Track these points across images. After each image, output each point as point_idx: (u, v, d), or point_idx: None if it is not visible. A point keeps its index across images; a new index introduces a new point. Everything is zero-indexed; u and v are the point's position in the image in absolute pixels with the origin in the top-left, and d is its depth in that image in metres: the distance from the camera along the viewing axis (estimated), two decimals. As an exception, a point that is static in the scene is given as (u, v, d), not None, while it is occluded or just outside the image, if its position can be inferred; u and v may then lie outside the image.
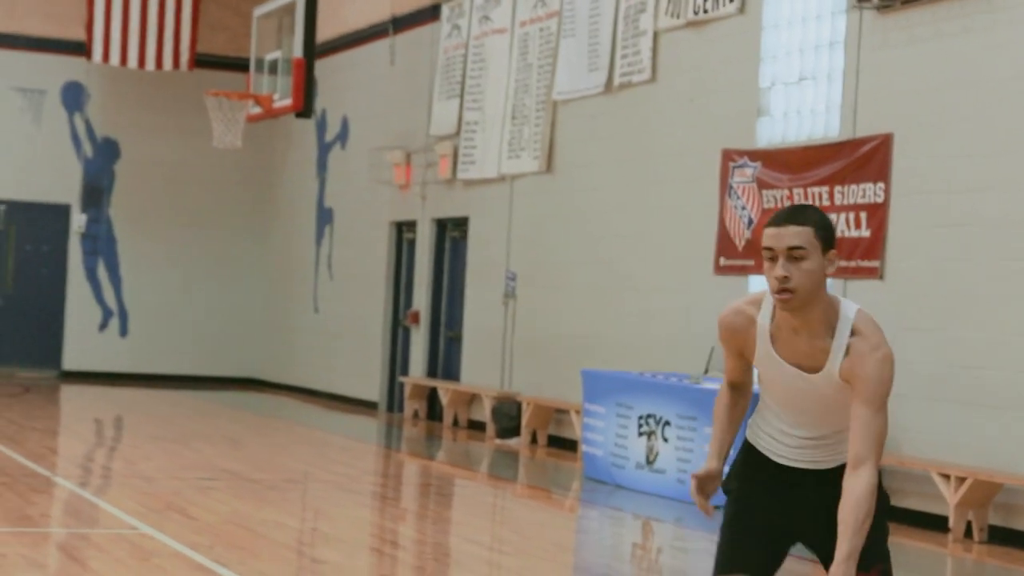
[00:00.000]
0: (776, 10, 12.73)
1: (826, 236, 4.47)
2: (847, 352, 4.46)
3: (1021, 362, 10.15)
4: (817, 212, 4.52)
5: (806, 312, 4.48)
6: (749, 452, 4.78)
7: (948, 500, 10.32)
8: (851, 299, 11.30)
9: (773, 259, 4.45)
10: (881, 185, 11.45)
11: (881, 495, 4.54)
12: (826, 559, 4.60)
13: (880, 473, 4.48)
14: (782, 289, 4.43)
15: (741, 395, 4.81)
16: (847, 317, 4.50)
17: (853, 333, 4.49)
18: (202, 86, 21.04)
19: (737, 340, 4.65)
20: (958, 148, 10.75)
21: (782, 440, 4.69)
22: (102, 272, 23.40)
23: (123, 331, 23.51)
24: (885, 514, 4.59)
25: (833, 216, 11.87)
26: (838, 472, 4.56)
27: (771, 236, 4.45)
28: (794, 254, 4.42)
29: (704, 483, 4.72)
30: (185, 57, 22.13)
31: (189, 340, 23.75)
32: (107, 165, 23.39)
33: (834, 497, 4.50)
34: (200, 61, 22.46)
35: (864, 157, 11.60)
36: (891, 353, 4.48)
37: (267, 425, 17.90)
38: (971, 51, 10.65)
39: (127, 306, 23.52)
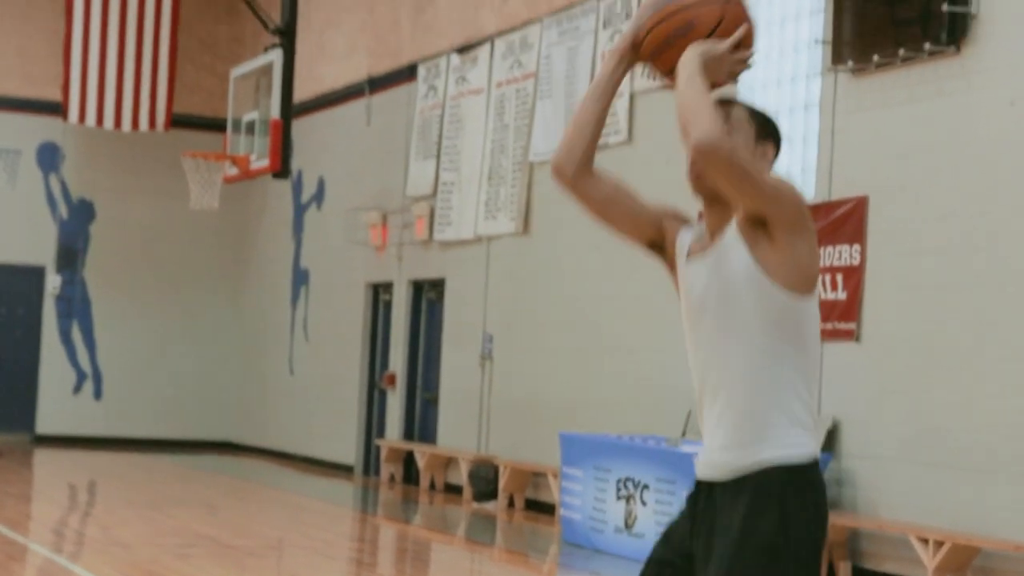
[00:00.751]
0: (751, 72, 12.71)
1: (761, 125, 3.91)
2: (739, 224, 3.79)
3: (998, 425, 10.11)
4: (755, 107, 3.95)
5: (724, 206, 3.86)
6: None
7: (927, 564, 10.25)
8: (829, 361, 11.29)
9: None
10: (857, 247, 11.44)
11: (816, 499, 3.72)
12: None
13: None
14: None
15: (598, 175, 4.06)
16: None
17: None
18: (179, 147, 21.00)
19: (669, 226, 4.05)
20: (933, 210, 10.75)
21: (703, 433, 3.91)
22: (76, 334, 23.27)
23: (97, 394, 23.36)
24: (813, 524, 3.72)
25: (810, 278, 11.85)
26: (736, 488, 3.73)
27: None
28: None
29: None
30: (161, 118, 22.10)
31: (164, 403, 23.61)
32: (82, 226, 23.31)
33: (723, 524, 3.75)
34: (177, 121, 22.43)
35: (840, 219, 11.60)
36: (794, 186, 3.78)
37: (243, 489, 17.77)
38: (945, 114, 10.67)
39: (101, 368, 23.38)
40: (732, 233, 3.82)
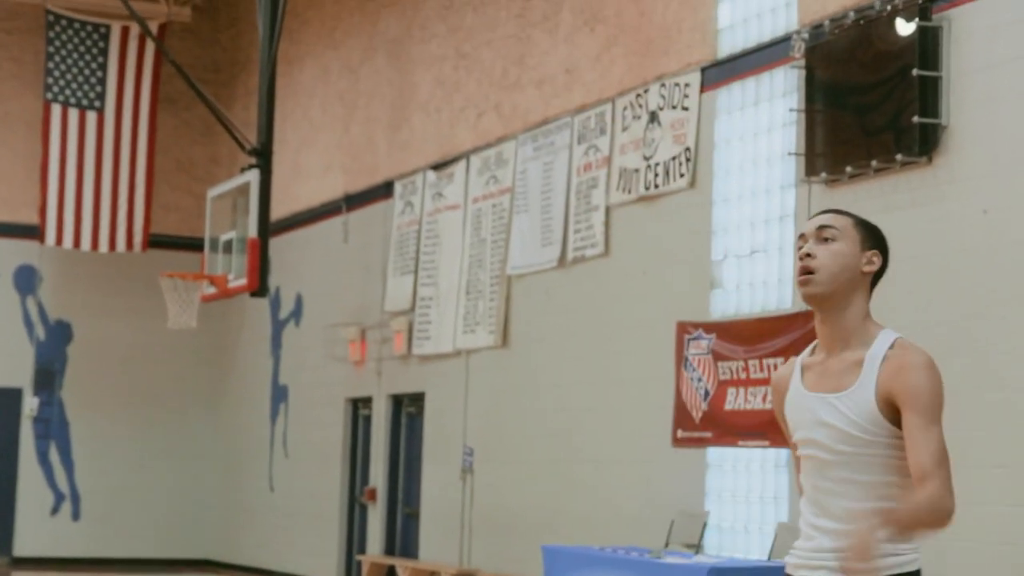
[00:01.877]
0: (726, 185, 12.92)
1: (868, 234, 4.08)
2: (884, 361, 3.93)
3: (983, 531, 10.14)
4: (863, 218, 4.17)
5: (835, 315, 4.02)
6: None
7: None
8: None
9: (803, 244, 4.07)
10: (835, 356, 11.52)
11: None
12: None
13: (951, 510, 3.86)
14: (803, 269, 4.01)
15: None
16: (891, 333, 4.04)
17: (893, 347, 3.97)
18: (156, 267, 21.09)
19: (779, 395, 4.20)
20: (909, 318, 10.86)
21: (805, 533, 4.08)
22: (54, 455, 23.19)
23: (75, 515, 23.23)
24: None
25: (789, 387, 11.93)
26: None
27: (806, 224, 4.13)
28: (824, 234, 4.03)
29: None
30: (138, 239, 22.20)
31: (143, 522, 23.48)
32: (59, 347, 23.30)
33: None
34: (154, 242, 22.54)
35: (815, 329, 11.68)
36: (934, 361, 3.96)
37: (224, 608, 17.65)
38: (918, 223, 10.82)
39: (79, 489, 23.27)
40: (868, 390, 4.00)
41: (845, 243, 4.02)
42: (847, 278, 4.00)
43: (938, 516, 3.84)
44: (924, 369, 3.92)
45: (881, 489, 3.97)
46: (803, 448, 4.06)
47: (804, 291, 4.06)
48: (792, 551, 4.15)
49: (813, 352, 4.15)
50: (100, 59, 22.06)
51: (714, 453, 12.83)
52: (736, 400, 12.53)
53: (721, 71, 13.07)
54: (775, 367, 12.08)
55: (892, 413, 3.95)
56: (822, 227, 4.03)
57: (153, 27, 21.71)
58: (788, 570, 4.12)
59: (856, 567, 3.72)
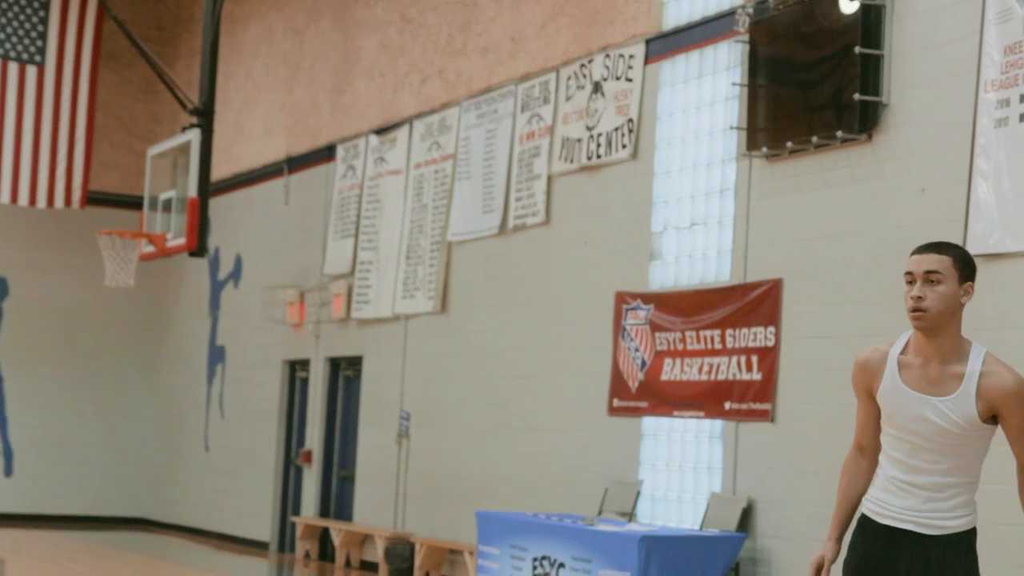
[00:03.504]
0: (668, 157, 12.99)
1: (964, 268, 4.95)
2: (980, 378, 4.89)
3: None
4: (959, 248, 5.02)
5: (938, 337, 4.93)
6: (861, 524, 5.17)
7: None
8: (744, 442, 11.47)
9: (911, 282, 4.96)
10: (772, 329, 11.65)
11: (975, 563, 5.03)
12: None
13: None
14: (915, 308, 4.91)
15: (867, 460, 5.17)
16: (980, 349, 4.94)
17: (984, 362, 4.93)
18: (94, 224, 20.97)
19: (867, 376, 5.06)
20: (846, 294, 10.99)
21: (895, 492, 5.05)
22: (-12, 410, 23.06)
23: (8, 471, 23.12)
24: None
25: (724, 359, 12.05)
26: (943, 543, 4.96)
27: (913, 262, 4.97)
28: (930, 277, 4.91)
29: (819, 570, 5.17)
30: (77, 195, 22.05)
31: (77, 480, 23.40)
32: (-5, 302, 23.16)
33: (936, 568, 4.95)
34: (92, 199, 22.39)
35: (754, 301, 11.81)
36: (1021, 378, 4.90)
37: (155, 567, 17.63)
38: (857, 199, 10.93)
39: (12, 445, 23.15)
40: (969, 398, 4.95)
41: (948, 284, 4.92)
42: (949, 312, 4.93)
43: None
44: (1017, 389, 4.89)
45: (962, 468, 4.99)
46: (899, 432, 5.00)
47: (916, 325, 4.96)
48: (877, 502, 5.11)
49: (905, 351, 5.04)
50: (41, 13, 21.86)
51: (649, 423, 12.93)
52: (672, 371, 12.63)
53: (665, 43, 13.13)
54: (712, 339, 12.19)
55: (987, 416, 4.95)
56: (928, 272, 4.92)
57: (96, -18, 21.55)
58: (872, 517, 5.10)
59: None
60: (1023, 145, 9.54)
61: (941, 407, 4.90)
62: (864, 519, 5.18)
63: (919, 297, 4.91)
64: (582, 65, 14.16)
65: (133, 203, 21.70)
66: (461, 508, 15.10)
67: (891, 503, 5.07)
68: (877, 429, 5.12)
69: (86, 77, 21.98)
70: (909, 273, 4.98)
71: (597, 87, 13.90)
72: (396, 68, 17.71)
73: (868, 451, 5.20)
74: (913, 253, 5.01)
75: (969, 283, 4.98)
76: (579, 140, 14.07)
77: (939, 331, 4.93)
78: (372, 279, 17.59)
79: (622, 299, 13.30)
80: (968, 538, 5.05)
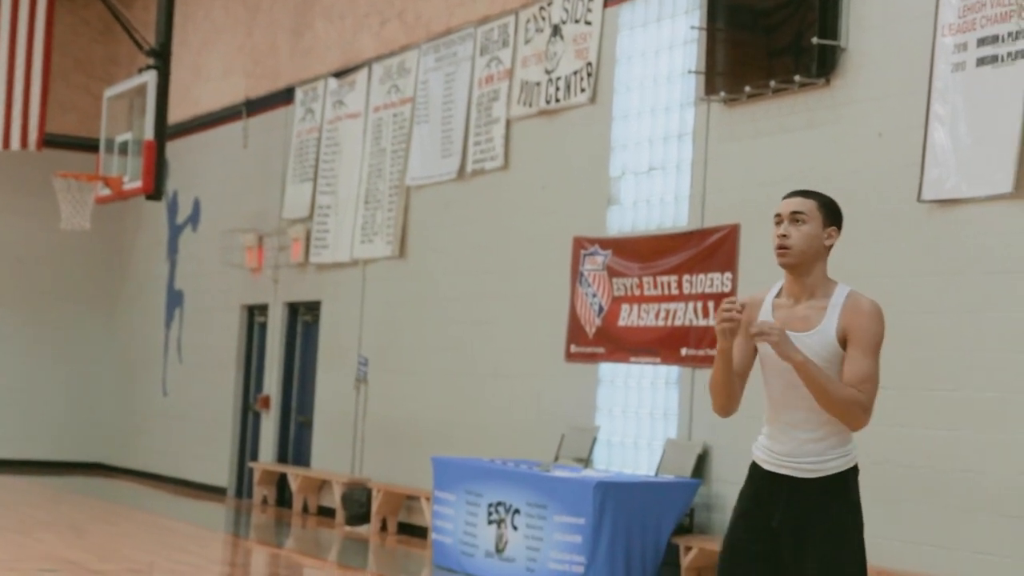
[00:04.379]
0: (626, 101, 12.89)
1: (829, 213, 5.24)
2: (843, 305, 5.14)
3: (863, 451, 10.26)
4: (826, 195, 5.29)
5: (803, 275, 5.22)
6: (750, 471, 5.35)
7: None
8: (700, 388, 11.41)
9: (779, 223, 5.22)
10: (729, 275, 11.59)
11: (855, 503, 5.19)
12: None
13: (866, 416, 5.08)
14: (780, 245, 5.18)
15: (738, 377, 5.32)
16: (846, 287, 5.20)
17: (848, 296, 5.18)
18: (50, 167, 20.76)
19: (747, 316, 5.22)
20: (803, 239, 10.92)
21: (775, 436, 5.25)
22: (-56, 354, 22.88)
23: (-35, 415, 22.98)
24: (860, 530, 5.21)
25: (681, 305, 11.99)
26: (820, 485, 5.14)
27: (782, 205, 5.21)
28: (796, 217, 5.19)
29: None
30: (33, 137, 21.78)
31: (34, 424, 23.27)
32: (-49, 245, 22.95)
33: (808, 513, 5.14)
34: (49, 141, 22.12)
35: (712, 247, 11.75)
36: (882, 310, 5.14)
37: (112, 512, 17.56)
38: (815, 144, 10.87)
39: (-31, 389, 23.00)
40: (830, 330, 5.16)
41: (812, 224, 5.20)
42: (813, 251, 5.20)
43: (844, 408, 5.06)
44: (875, 314, 5.14)
45: (827, 420, 5.16)
46: (771, 372, 5.25)
47: (781, 262, 5.20)
48: (761, 448, 5.31)
49: (779, 295, 5.28)
50: (-2, -48, 21.56)
51: (606, 369, 12.88)
52: (629, 317, 12.58)
53: (625, -14, 13.00)
54: (669, 285, 12.13)
55: (847, 345, 5.15)
56: (794, 212, 5.19)
57: (53, -79, 21.25)
58: (758, 463, 5.28)
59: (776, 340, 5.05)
60: (980, 90, 9.48)
61: (807, 341, 5.11)
62: (752, 465, 5.36)
63: (784, 235, 5.18)
64: (541, 8, 14.02)
65: (90, 146, 21.48)
66: (418, 454, 15.05)
67: (771, 448, 5.28)
68: (749, 361, 5.34)
69: (42, 17, 21.68)
70: (777, 215, 5.23)
71: (556, 30, 13.78)
72: (356, 9, 17.53)
73: (738, 376, 5.38)
74: (783, 198, 5.25)
75: (833, 227, 5.25)
76: (538, 84, 13.95)
77: (803, 269, 5.20)
78: (331, 223, 17.47)
79: (580, 244, 13.23)
80: (845, 478, 5.20)
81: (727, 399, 5.34)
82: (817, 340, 5.14)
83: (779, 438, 5.23)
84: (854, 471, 5.26)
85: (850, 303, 5.16)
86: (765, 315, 5.26)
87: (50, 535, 14.31)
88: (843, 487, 5.21)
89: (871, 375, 5.07)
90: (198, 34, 21.57)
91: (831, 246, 5.27)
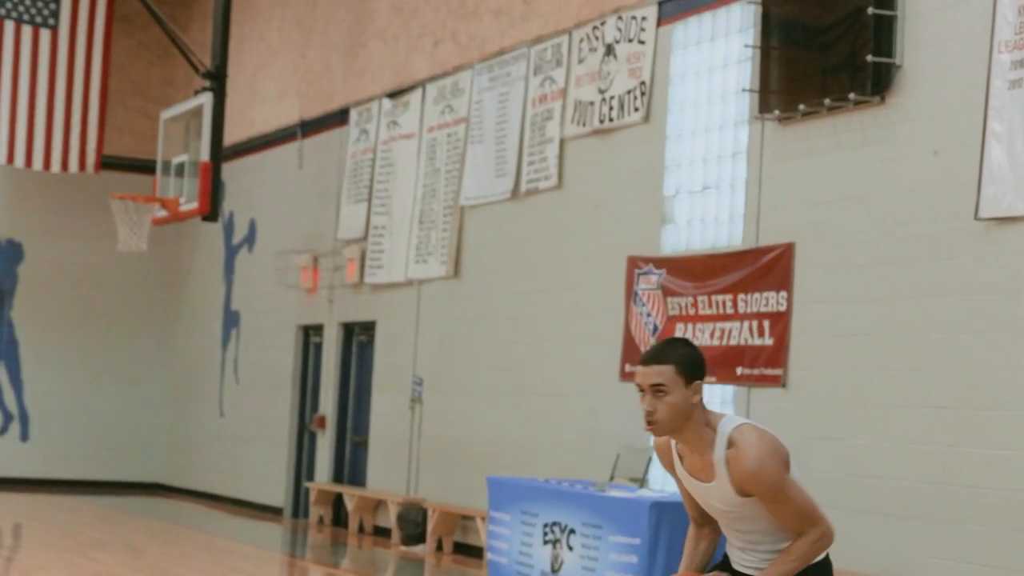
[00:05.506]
0: (680, 120, 12.87)
1: (688, 370, 4.98)
2: (728, 465, 4.93)
3: (920, 471, 10.21)
4: (681, 348, 5.04)
5: (682, 436, 4.99)
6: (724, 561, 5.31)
7: (851, 609, 10.32)
8: (755, 407, 11.39)
9: (642, 391, 4.99)
10: (784, 294, 11.54)
11: (825, 563, 5.09)
12: None
13: (829, 535, 5.04)
14: (648, 421, 4.98)
15: (706, 529, 5.26)
16: (723, 433, 4.94)
17: (729, 446, 4.93)
18: (108, 188, 20.91)
19: (666, 459, 5.17)
20: (858, 258, 10.88)
21: (734, 545, 5.17)
22: (2, 375, 23.07)
23: (24, 436, 23.15)
24: None
25: (736, 324, 11.95)
26: None
27: (639, 374, 4.99)
28: (657, 389, 4.94)
29: None
30: (91, 159, 22.00)
31: (92, 445, 23.42)
32: (11, 267, 23.15)
33: None
34: (106, 163, 22.33)
35: (767, 266, 11.70)
36: (765, 447, 4.89)
37: (169, 532, 17.64)
38: (869, 162, 10.81)
39: (28, 410, 23.18)
40: (728, 488, 5.01)
41: (675, 393, 4.95)
42: (682, 416, 4.97)
43: (819, 549, 5.02)
44: (758, 472, 4.88)
45: (772, 531, 5.09)
46: (709, 511, 5.17)
47: (652, 433, 5.03)
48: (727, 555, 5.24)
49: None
50: (55, -24, 21.77)
51: (661, 388, 12.81)
52: (684, 335, 12.54)
53: (678, 5, 12.99)
54: (724, 304, 12.09)
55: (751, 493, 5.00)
56: (654, 385, 4.95)
57: (109, -55, 21.45)
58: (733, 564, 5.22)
59: None
60: (1037, 107, 9.40)
61: (713, 491, 5.02)
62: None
63: (649, 412, 4.97)
64: (594, 27, 14.03)
65: (146, 167, 21.63)
66: (473, 473, 15.05)
67: (737, 559, 5.22)
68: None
69: (99, 40, 21.90)
70: (638, 385, 5.04)
71: (609, 49, 13.78)
72: (408, 31, 17.59)
73: (703, 523, 5.28)
74: (639, 363, 5.03)
75: (698, 382, 5.02)
76: (591, 103, 13.95)
77: (680, 432, 5.00)
78: (385, 244, 17.51)
79: (634, 263, 13.21)
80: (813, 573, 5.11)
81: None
82: (719, 495, 5.03)
83: (733, 553, 5.23)
84: (822, 567, 5.18)
85: (732, 462, 4.95)
86: (676, 461, 5.15)
87: (106, 555, 14.39)
88: None
89: (802, 511, 4.99)
90: (253, 56, 21.70)
91: (700, 400, 5.04)
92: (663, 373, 4.96)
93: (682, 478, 5.16)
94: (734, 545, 5.17)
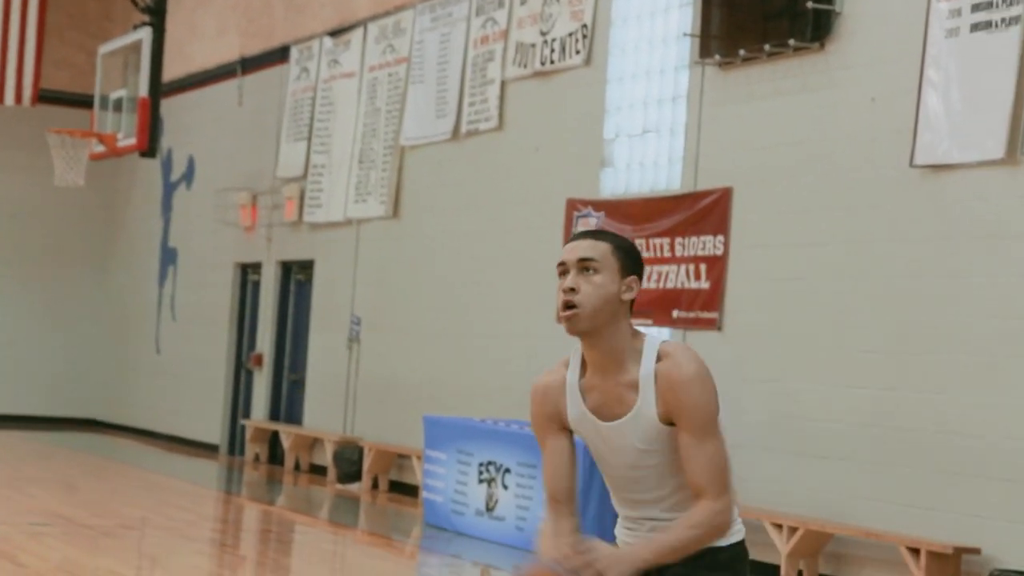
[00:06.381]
0: (621, 63, 12.90)
1: (626, 259, 4.02)
2: (656, 379, 3.97)
3: (852, 413, 10.36)
4: (622, 237, 4.11)
5: (602, 340, 3.99)
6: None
7: (780, 549, 10.48)
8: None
9: (563, 273, 4.01)
10: (721, 238, 11.63)
11: (741, 551, 4.16)
12: None
13: (738, 523, 4.14)
14: (566, 303, 3.96)
15: (566, 517, 4.14)
16: (652, 342, 4.01)
17: (660, 358, 3.98)
18: (45, 123, 20.73)
19: (550, 405, 4.11)
20: (795, 203, 10.97)
21: (627, 530, 4.20)
22: (-63, 310, 22.91)
23: (-42, 370, 23.02)
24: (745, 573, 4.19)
25: (673, 267, 12.04)
26: (696, 566, 4.05)
27: (566, 250, 4.04)
28: (585, 265, 3.97)
29: None
30: (28, 93, 21.75)
31: (27, 380, 23.31)
32: (-55, 201, 22.94)
33: None
34: (43, 97, 22.08)
35: (704, 210, 11.79)
36: (705, 370, 3.96)
37: (105, 468, 17.63)
38: (808, 108, 10.89)
39: (-37, 345, 23.04)
40: (649, 410, 4.01)
41: (606, 274, 3.98)
42: (609, 309, 3.97)
43: (711, 531, 4.00)
44: (694, 383, 3.96)
45: (679, 492, 4.09)
46: (604, 466, 4.14)
47: (568, 326, 3.97)
48: (619, 541, 4.23)
49: (583, 372, 4.09)
50: (-7, -93, 21.48)
51: (598, 330, 12.90)
52: (621, 278, 12.60)
53: (621, -52, 12.99)
54: (661, 247, 12.17)
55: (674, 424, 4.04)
56: (583, 259, 3.98)
57: None
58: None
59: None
60: (973, 56, 9.50)
61: (626, 427, 4.01)
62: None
63: (571, 288, 3.95)
64: (537, -31, 14.01)
65: (84, 102, 21.47)
66: (410, 413, 15.12)
67: (626, 542, 4.18)
68: (572, 471, 4.13)
69: (37, -27, 21.64)
70: (561, 263, 4.02)
71: (552, -9, 13.76)
72: (351, -31, 17.50)
73: (564, 504, 4.14)
74: (568, 241, 4.07)
75: (633, 276, 4.01)
76: (533, 45, 13.96)
77: (599, 335, 3.98)
78: (324, 183, 17.48)
79: (573, 206, 13.26)
80: (725, 555, 4.14)
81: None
82: (636, 424, 4.00)
83: (631, 534, 4.19)
84: (737, 548, 4.20)
85: (662, 376, 3.95)
86: (574, 402, 4.08)
87: (42, 490, 14.38)
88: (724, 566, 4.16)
89: (715, 460, 3.97)
90: (193, -9, 21.53)
91: (631, 301, 4.02)
92: (597, 248, 4.00)
93: (576, 426, 4.10)
94: (632, 524, 4.19)
